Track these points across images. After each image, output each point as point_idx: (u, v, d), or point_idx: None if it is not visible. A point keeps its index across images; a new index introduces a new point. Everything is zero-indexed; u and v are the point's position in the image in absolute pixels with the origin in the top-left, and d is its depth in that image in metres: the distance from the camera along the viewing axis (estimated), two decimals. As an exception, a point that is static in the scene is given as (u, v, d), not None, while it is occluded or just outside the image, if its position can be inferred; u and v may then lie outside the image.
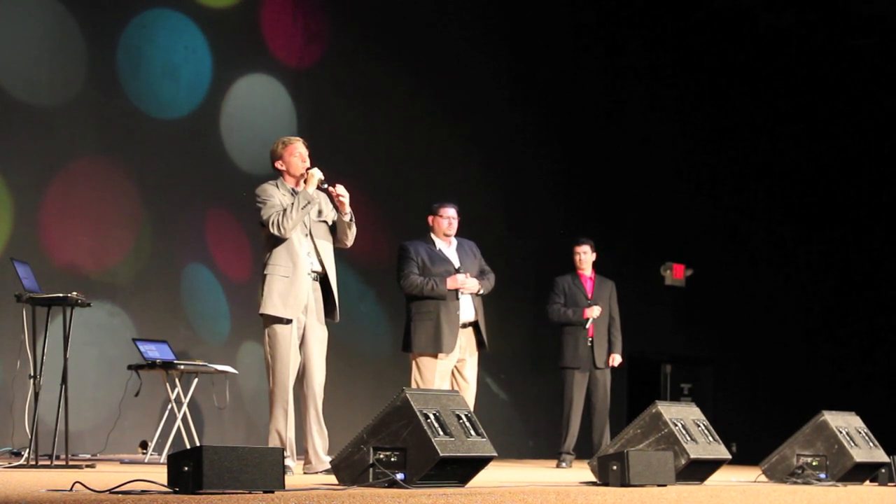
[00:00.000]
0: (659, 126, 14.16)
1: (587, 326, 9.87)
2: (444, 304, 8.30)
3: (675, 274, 14.17)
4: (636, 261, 13.56)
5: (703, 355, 14.46)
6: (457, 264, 8.42)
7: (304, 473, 6.80)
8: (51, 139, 9.58)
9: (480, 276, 8.52)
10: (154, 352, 8.75)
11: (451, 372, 8.42)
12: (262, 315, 6.86)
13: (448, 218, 8.50)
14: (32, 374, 7.06)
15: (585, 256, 10.08)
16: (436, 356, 8.31)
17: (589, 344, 9.90)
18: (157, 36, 10.25)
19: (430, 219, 8.56)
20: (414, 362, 8.40)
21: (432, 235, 8.54)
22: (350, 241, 7.07)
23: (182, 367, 8.74)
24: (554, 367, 10.16)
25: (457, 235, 8.57)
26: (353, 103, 11.48)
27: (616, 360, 10.00)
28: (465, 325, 8.40)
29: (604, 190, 13.54)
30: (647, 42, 14.18)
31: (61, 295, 7.10)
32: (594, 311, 9.88)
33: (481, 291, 8.48)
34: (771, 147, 15.25)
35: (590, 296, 10.00)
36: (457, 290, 8.34)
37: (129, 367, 8.80)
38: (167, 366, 8.66)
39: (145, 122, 10.14)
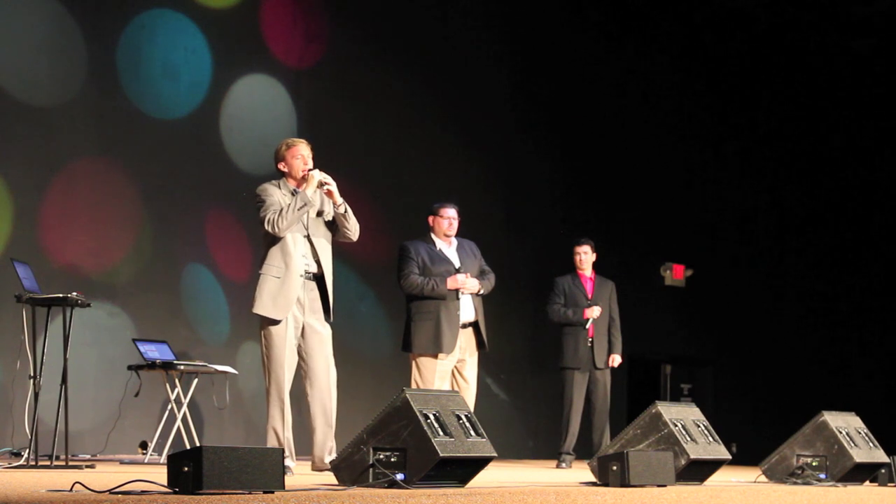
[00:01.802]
0: (659, 126, 14.16)
1: (587, 327, 9.87)
2: (445, 304, 8.30)
3: (675, 274, 14.17)
4: (636, 261, 13.56)
5: (703, 356, 14.46)
6: (457, 264, 8.43)
7: (313, 472, 6.80)
8: (51, 139, 9.58)
9: (480, 276, 8.52)
10: (154, 352, 8.75)
11: (450, 372, 8.43)
12: (256, 314, 6.89)
13: (448, 218, 8.50)
14: (32, 374, 7.06)
15: (586, 257, 10.08)
16: (436, 356, 8.31)
17: (589, 344, 9.90)
18: (157, 36, 10.25)
19: (430, 219, 8.56)
20: (414, 362, 8.40)
21: (432, 235, 8.55)
22: (353, 233, 7.06)
23: (182, 367, 8.74)
24: (554, 367, 10.16)
25: (457, 235, 8.57)
26: (353, 103, 11.48)
27: (616, 360, 10.00)
28: (465, 326, 8.41)
29: (604, 190, 13.54)
30: (648, 42, 14.18)
31: (61, 295, 7.10)
32: (594, 312, 9.88)
33: (481, 292, 8.48)
34: (771, 147, 15.26)
35: (590, 296, 10.00)
36: (457, 291, 8.34)
37: (129, 368, 8.80)
38: (167, 366, 8.66)
39: (145, 122, 10.14)
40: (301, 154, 6.99)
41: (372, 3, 11.77)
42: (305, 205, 6.82)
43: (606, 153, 13.64)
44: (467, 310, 8.42)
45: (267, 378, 6.89)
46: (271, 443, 6.84)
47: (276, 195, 6.88)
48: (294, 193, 6.88)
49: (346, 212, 6.98)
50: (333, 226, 7.05)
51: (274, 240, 6.86)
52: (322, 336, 6.96)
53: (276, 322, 6.84)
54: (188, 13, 10.44)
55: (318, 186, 6.90)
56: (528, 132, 13.02)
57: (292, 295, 6.84)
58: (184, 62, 10.41)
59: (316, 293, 6.95)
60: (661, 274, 14.17)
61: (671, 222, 14.13)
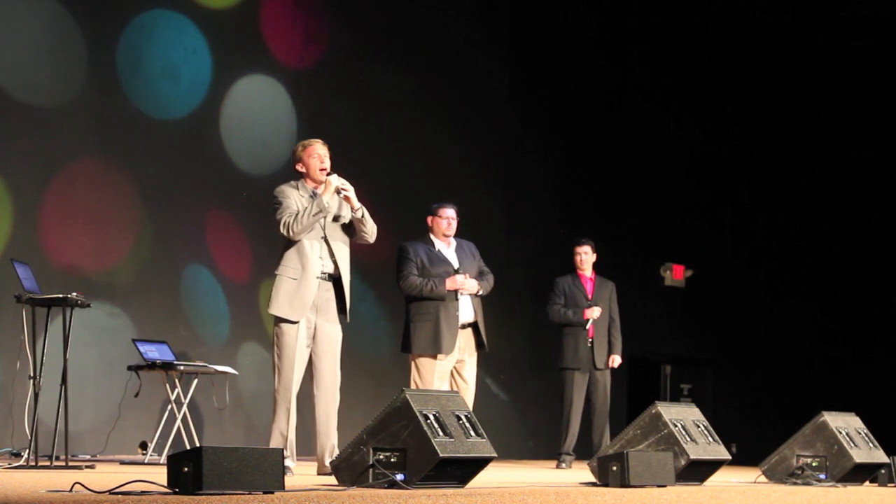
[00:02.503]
0: (659, 126, 14.16)
1: (587, 327, 9.87)
2: (444, 304, 8.30)
3: (675, 274, 14.17)
4: (636, 261, 13.56)
5: (703, 356, 14.45)
6: (456, 265, 8.42)
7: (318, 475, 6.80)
8: (51, 139, 9.57)
9: (479, 276, 8.52)
10: (154, 352, 8.74)
11: (450, 373, 8.43)
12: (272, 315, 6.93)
13: (447, 218, 8.50)
14: (32, 374, 7.05)
15: (586, 257, 10.08)
16: (435, 357, 8.31)
17: (589, 345, 9.90)
18: (157, 36, 10.25)
19: (429, 219, 8.57)
20: (413, 363, 8.41)
21: (431, 236, 8.55)
22: (370, 236, 7.10)
23: (182, 367, 8.73)
24: (554, 367, 10.16)
25: (456, 236, 8.57)
26: (353, 103, 11.47)
27: (616, 360, 10.00)
28: (464, 326, 8.41)
29: (604, 190, 13.54)
30: (648, 42, 14.18)
31: (61, 295, 7.10)
32: (594, 312, 9.88)
33: (480, 292, 8.48)
34: (771, 147, 15.26)
35: (590, 296, 10.00)
36: (456, 291, 8.35)
37: (129, 368, 8.79)
38: (167, 366, 8.66)
39: (145, 123, 10.13)
40: (317, 153, 7.02)
41: (372, 3, 11.77)
42: (321, 211, 6.83)
43: (606, 153, 13.63)
44: (466, 310, 8.42)
45: (276, 378, 6.90)
46: (275, 443, 6.84)
47: (293, 197, 6.90)
48: (313, 196, 6.89)
49: (363, 216, 7.01)
50: (351, 228, 7.08)
51: (290, 241, 6.88)
52: (332, 338, 6.99)
53: (291, 322, 6.85)
54: (188, 13, 10.43)
55: (335, 192, 6.92)
56: (527, 132, 13.02)
57: (308, 296, 6.86)
58: (184, 62, 10.40)
59: (331, 294, 6.98)
60: (661, 274, 14.17)
61: (671, 222, 14.13)
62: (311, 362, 6.96)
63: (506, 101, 12.84)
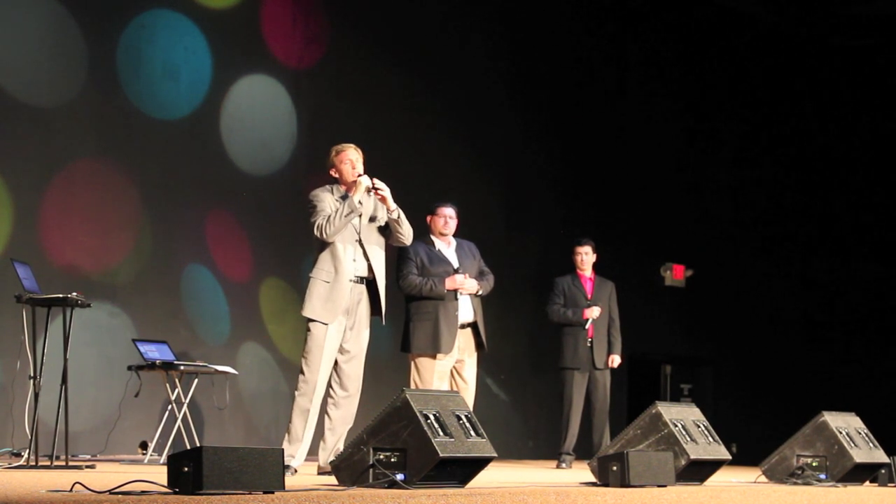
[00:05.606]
0: (659, 126, 14.16)
1: (587, 327, 9.87)
2: (443, 304, 8.30)
3: (675, 274, 14.17)
4: (636, 261, 13.56)
5: (703, 356, 14.46)
6: (456, 265, 8.42)
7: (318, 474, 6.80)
8: (51, 139, 9.57)
9: (479, 276, 8.52)
10: (154, 352, 8.74)
11: (449, 372, 8.43)
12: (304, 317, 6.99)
13: (445, 217, 8.50)
14: (32, 374, 7.06)
15: (587, 257, 10.08)
16: (434, 357, 8.32)
17: (588, 345, 9.89)
18: (157, 36, 10.25)
19: (428, 219, 8.57)
20: (413, 363, 8.41)
21: (431, 236, 8.55)
22: (407, 237, 7.14)
23: (182, 367, 8.73)
24: (553, 367, 10.16)
25: (456, 236, 8.57)
26: (353, 104, 11.47)
27: (615, 360, 10.00)
28: (463, 326, 8.40)
29: (604, 190, 13.54)
30: (648, 42, 14.18)
31: (61, 295, 7.10)
32: (594, 312, 9.88)
33: (480, 292, 8.48)
34: (771, 147, 15.26)
35: (589, 296, 10.00)
36: (456, 291, 8.34)
37: (129, 368, 8.79)
38: (167, 366, 8.66)
39: (145, 123, 10.13)
40: (349, 159, 7.05)
41: (372, 3, 11.77)
42: (353, 211, 6.87)
43: (606, 153, 13.63)
44: (466, 310, 8.42)
45: (299, 379, 6.92)
46: (286, 442, 6.85)
47: (328, 201, 6.94)
48: (345, 198, 6.92)
49: (399, 217, 7.03)
50: (387, 230, 7.10)
51: (324, 244, 6.93)
52: (360, 343, 7.04)
53: (322, 324, 6.89)
54: (188, 13, 10.43)
55: (366, 192, 6.93)
56: (528, 132, 13.02)
57: (341, 299, 6.90)
58: (184, 62, 10.40)
59: (363, 297, 7.00)
60: (661, 274, 14.17)
61: (671, 222, 14.13)
62: (336, 364, 6.99)
63: (506, 101, 12.84)
